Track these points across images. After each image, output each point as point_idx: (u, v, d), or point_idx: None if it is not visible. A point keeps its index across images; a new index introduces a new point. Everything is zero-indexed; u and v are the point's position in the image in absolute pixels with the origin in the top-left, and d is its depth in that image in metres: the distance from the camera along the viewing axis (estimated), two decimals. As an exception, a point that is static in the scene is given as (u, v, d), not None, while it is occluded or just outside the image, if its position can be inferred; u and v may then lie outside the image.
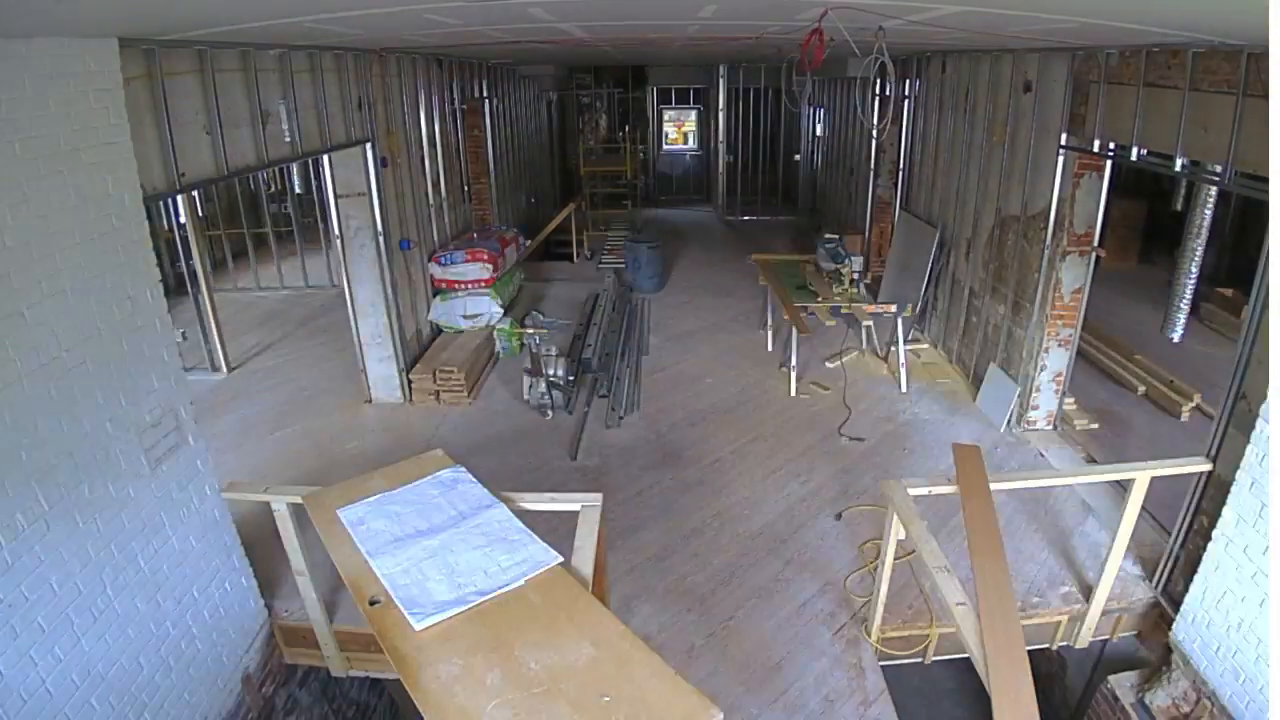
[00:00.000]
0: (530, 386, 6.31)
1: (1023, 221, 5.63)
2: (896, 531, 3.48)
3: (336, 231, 5.93)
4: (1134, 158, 4.38)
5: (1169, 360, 6.51)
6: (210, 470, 3.44)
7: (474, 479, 3.31)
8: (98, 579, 2.77)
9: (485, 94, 9.55)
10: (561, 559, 2.81)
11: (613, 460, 5.62)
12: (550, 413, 6.23)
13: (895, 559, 3.66)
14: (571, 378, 6.52)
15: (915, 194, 8.06)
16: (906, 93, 8.21)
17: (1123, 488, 3.78)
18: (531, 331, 6.62)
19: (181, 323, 6.28)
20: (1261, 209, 3.31)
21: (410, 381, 6.45)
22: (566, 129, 15.92)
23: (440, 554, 2.82)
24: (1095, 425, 5.79)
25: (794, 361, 6.58)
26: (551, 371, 6.30)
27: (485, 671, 2.32)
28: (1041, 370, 5.59)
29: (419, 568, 2.74)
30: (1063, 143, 5.09)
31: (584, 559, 2.95)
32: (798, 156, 14.03)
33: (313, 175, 10.60)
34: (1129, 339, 7.02)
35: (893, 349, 6.87)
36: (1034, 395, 5.68)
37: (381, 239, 5.95)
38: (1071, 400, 5.91)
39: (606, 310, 8.19)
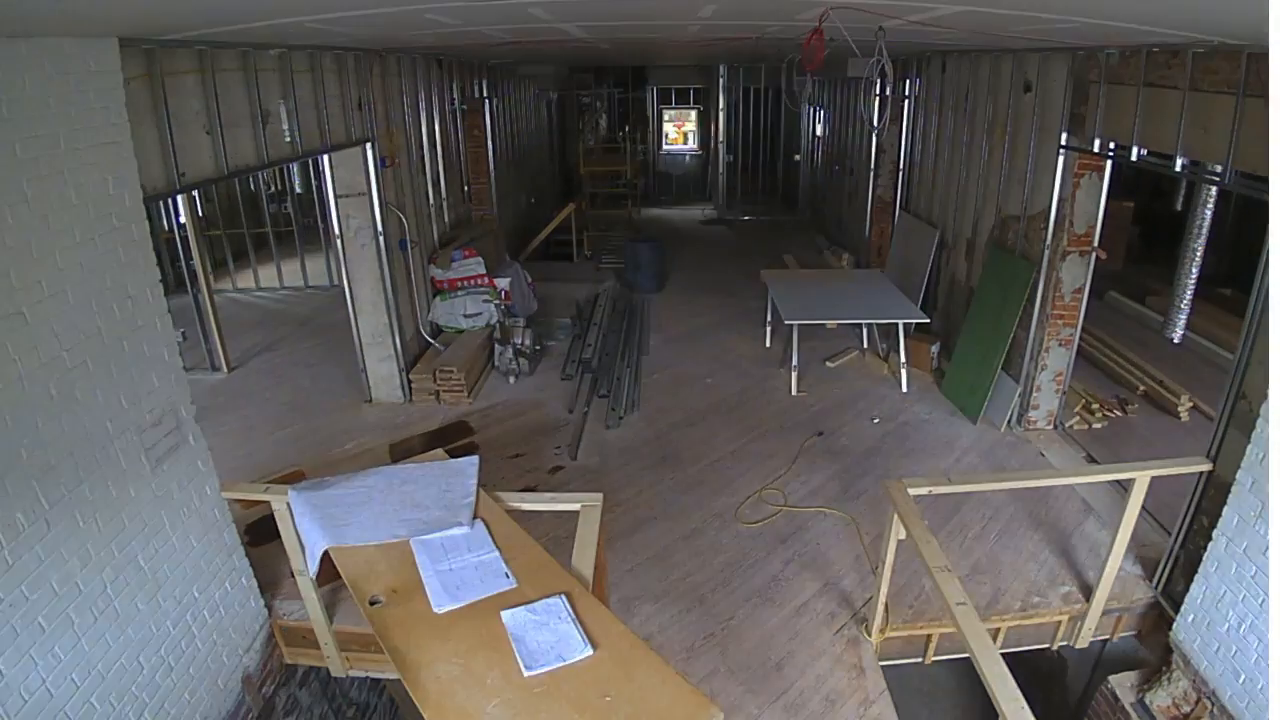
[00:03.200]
0: (500, 353, 6.93)
1: (1023, 221, 5.63)
2: (897, 531, 3.48)
3: (336, 231, 5.93)
4: (1134, 158, 4.38)
5: (1165, 360, 6.52)
6: (210, 470, 3.44)
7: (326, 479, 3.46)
8: (98, 579, 2.76)
9: (485, 94, 9.55)
10: (477, 458, 3.28)
11: (613, 460, 5.62)
12: (515, 378, 6.86)
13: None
14: (538, 346, 7.36)
15: (915, 194, 8.07)
16: (907, 93, 8.22)
17: (1123, 488, 3.78)
18: (497, 302, 7.26)
19: (181, 323, 6.28)
20: (1261, 209, 3.30)
21: (410, 381, 6.45)
22: (566, 129, 15.92)
23: (403, 506, 3.05)
24: (1098, 425, 5.80)
25: (794, 361, 6.58)
26: (518, 340, 7.01)
27: (485, 671, 2.32)
28: (1042, 370, 5.59)
29: (401, 520, 2.96)
30: (1063, 143, 5.09)
31: (584, 559, 2.95)
32: (798, 157, 14.04)
33: (313, 175, 10.60)
34: (1125, 339, 7.03)
35: (893, 350, 6.88)
36: (1034, 395, 5.68)
37: (381, 239, 5.95)
38: (1082, 403, 5.92)
39: (606, 310, 8.20)
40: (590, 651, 2.36)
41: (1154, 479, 3.55)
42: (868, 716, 3.50)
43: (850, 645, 3.87)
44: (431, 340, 7.00)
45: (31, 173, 2.47)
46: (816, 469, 5.42)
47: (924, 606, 4.00)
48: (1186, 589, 3.51)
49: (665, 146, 16.27)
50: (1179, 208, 8.64)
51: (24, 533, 2.46)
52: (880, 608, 3.80)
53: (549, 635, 2.43)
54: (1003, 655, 2.60)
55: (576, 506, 3.27)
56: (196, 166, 3.67)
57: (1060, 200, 5.21)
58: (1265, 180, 3.30)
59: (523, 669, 2.31)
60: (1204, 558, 3.39)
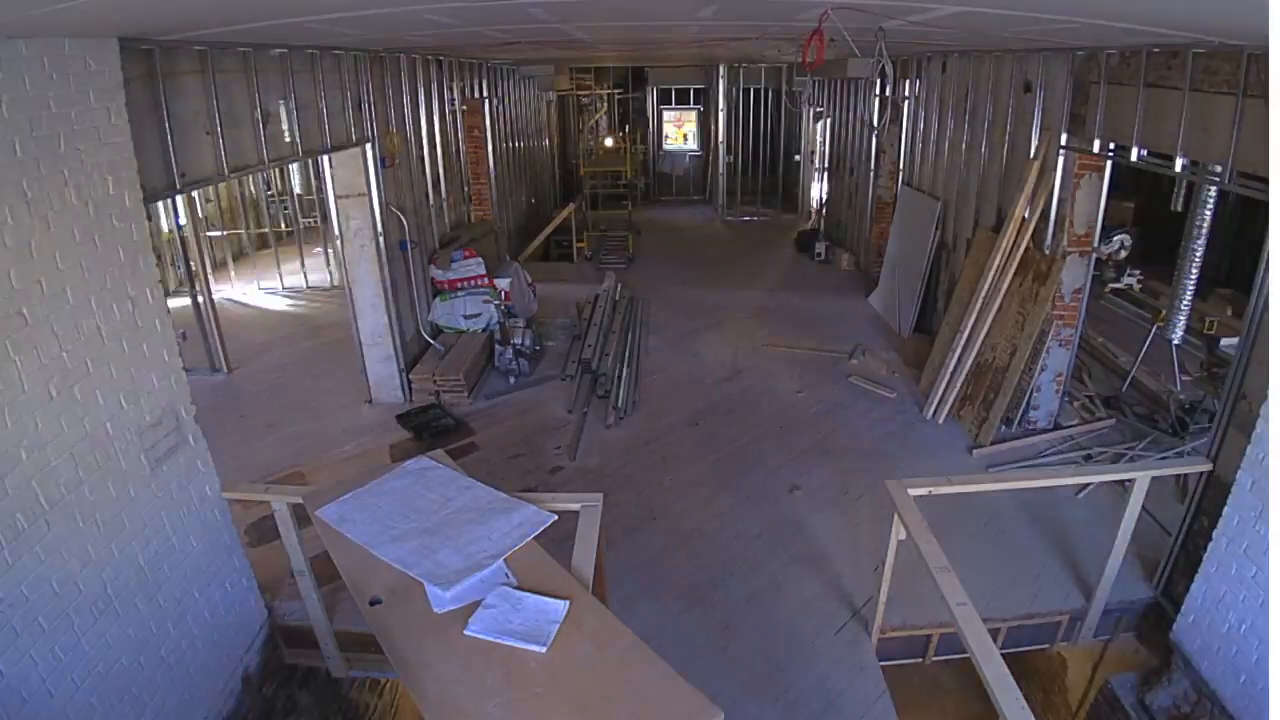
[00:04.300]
0: (500, 354, 6.98)
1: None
2: (897, 531, 3.48)
3: (336, 232, 5.93)
4: (1134, 158, 4.38)
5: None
6: (210, 470, 3.44)
7: (441, 465, 3.31)
8: (98, 579, 2.76)
9: (485, 94, 9.55)
10: (555, 517, 2.92)
11: (613, 460, 5.62)
12: (516, 378, 6.85)
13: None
14: (538, 347, 7.39)
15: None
16: (907, 93, 8.22)
17: (1123, 488, 3.78)
18: (497, 303, 7.17)
19: (181, 323, 6.28)
20: (1261, 209, 3.31)
21: (410, 381, 6.45)
22: (566, 129, 15.91)
23: (440, 533, 2.86)
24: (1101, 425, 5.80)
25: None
26: (518, 341, 7.01)
27: (485, 671, 2.32)
28: (1042, 370, 5.58)
29: (425, 547, 2.78)
30: (1063, 143, 5.09)
31: (584, 559, 2.94)
32: (798, 157, 14.04)
33: (313, 175, 10.60)
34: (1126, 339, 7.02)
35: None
36: (1034, 395, 5.68)
37: (381, 239, 5.95)
38: (1088, 395, 5.91)
39: (606, 310, 8.19)
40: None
41: (1154, 479, 3.56)
42: (868, 716, 3.50)
43: (850, 645, 3.87)
44: (431, 340, 7.00)
45: (31, 173, 2.47)
46: (817, 469, 5.41)
47: (924, 607, 4.00)
48: (1186, 589, 3.50)
49: (665, 146, 16.26)
50: (1179, 208, 8.62)
51: (24, 533, 2.46)
52: (880, 608, 3.80)
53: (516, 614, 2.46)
54: (1003, 655, 2.60)
55: (576, 506, 3.27)
56: (196, 167, 3.67)
57: (1060, 200, 5.21)
58: (1265, 180, 3.31)
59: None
60: (1204, 558, 3.38)
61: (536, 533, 2.84)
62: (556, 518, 2.94)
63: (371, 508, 3.06)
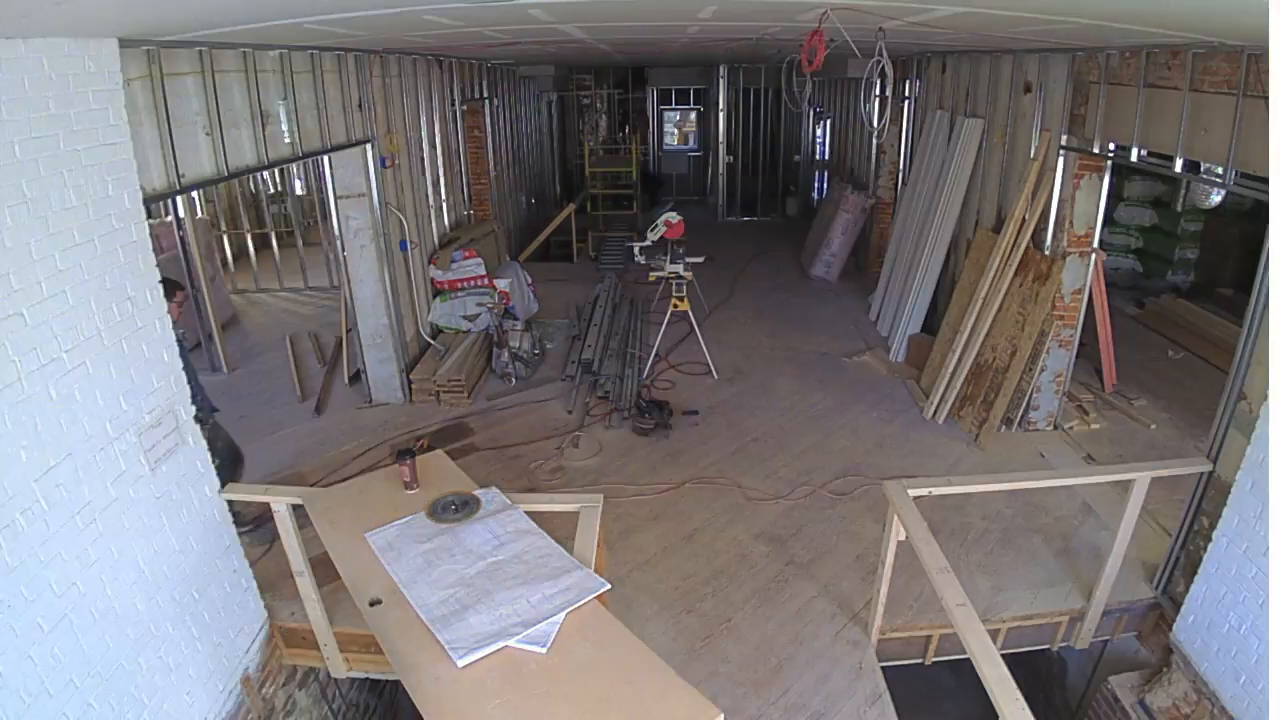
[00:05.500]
0: (496, 356, 6.93)
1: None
2: (897, 532, 3.48)
3: (336, 232, 5.93)
4: (1134, 158, 4.38)
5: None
6: (209, 471, 3.44)
7: (509, 501, 3.17)
8: (97, 579, 2.76)
9: (485, 94, 9.55)
10: (607, 585, 2.66)
11: (613, 460, 5.62)
12: (514, 380, 6.79)
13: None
14: (538, 351, 7.27)
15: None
16: (907, 93, 8.22)
17: (1123, 488, 3.77)
18: (490, 305, 7.11)
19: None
20: (1261, 209, 3.30)
21: (410, 382, 6.45)
22: (567, 130, 15.92)
23: (479, 584, 2.70)
24: (1097, 426, 5.80)
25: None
26: (515, 344, 6.99)
27: (485, 671, 2.32)
28: (1041, 371, 5.58)
29: (457, 598, 2.62)
30: (1063, 143, 5.09)
31: (584, 560, 2.94)
32: (798, 157, 14.03)
33: (313, 175, 10.60)
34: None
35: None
36: (1034, 396, 5.67)
37: (382, 239, 5.95)
38: (1090, 397, 5.93)
39: (606, 310, 8.19)
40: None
41: (1154, 479, 3.55)
42: (867, 717, 3.50)
43: (850, 646, 3.87)
44: (431, 341, 7.00)
45: (31, 174, 2.47)
46: (817, 469, 5.41)
47: (924, 607, 4.00)
48: (1187, 589, 3.50)
49: (665, 147, 16.26)
50: (1179, 208, 8.65)
51: (23, 534, 2.45)
52: (880, 609, 3.80)
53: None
54: (1003, 656, 2.60)
55: (576, 507, 3.27)
56: (196, 167, 3.67)
57: (1060, 201, 5.21)
58: (1265, 180, 3.31)
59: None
60: (1204, 558, 3.38)
61: (583, 601, 2.58)
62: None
63: (420, 539, 2.94)
